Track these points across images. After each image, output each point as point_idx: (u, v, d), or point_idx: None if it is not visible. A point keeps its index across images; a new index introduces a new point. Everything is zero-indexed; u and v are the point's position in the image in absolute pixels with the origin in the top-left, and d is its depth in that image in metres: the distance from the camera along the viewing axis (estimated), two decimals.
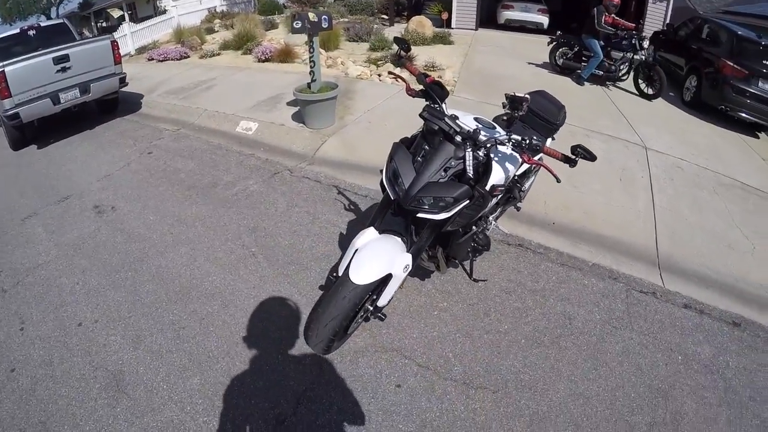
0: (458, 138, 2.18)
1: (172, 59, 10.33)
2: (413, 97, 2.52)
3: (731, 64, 7.15)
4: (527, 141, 2.08)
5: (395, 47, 3.32)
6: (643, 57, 7.80)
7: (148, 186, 4.86)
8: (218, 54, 10.43)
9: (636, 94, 7.93)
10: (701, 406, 2.56)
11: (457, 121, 2.25)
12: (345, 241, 3.75)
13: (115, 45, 6.79)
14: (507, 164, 2.44)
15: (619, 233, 3.95)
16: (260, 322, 3.04)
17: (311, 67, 5.48)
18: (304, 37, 6.64)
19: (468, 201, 2.21)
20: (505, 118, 2.80)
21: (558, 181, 2.18)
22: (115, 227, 4.17)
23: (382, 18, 15.01)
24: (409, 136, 2.56)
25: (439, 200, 2.16)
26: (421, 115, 2.31)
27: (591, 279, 3.46)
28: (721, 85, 7.15)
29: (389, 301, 2.53)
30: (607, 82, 8.28)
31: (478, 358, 2.82)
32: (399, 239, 2.46)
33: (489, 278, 3.37)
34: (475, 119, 2.46)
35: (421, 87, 2.46)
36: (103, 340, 2.98)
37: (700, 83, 7.61)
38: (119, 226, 4.17)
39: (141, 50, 12.31)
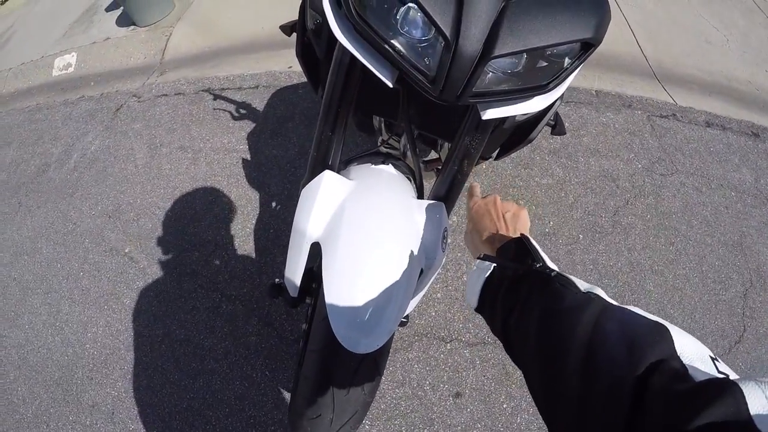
0: None
1: None
2: None
3: None
4: None
5: None
6: None
7: None
8: None
9: None
10: None
11: None
12: (255, 173, 2.19)
13: None
14: None
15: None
16: (200, 380, 1.66)
17: None
18: None
19: None
20: None
21: None
22: None
23: None
24: None
25: (548, 53, 0.69)
26: None
27: (607, 114, 2.54)
28: None
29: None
30: None
31: None
32: (392, 171, 1.00)
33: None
34: None
35: None
36: None
37: None
38: None
39: None
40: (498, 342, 1.25)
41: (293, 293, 0.95)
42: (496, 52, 0.65)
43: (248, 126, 2.45)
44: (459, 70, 0.67)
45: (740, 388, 0.34)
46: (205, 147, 2.43)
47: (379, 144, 1.34)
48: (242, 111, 2.51)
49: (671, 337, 0.42)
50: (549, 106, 0.85)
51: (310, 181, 0.89)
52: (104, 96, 3.31)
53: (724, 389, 0.34)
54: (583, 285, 0.54)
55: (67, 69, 4.00)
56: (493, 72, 0.70)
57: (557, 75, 0.72)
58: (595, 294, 0.52)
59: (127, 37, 3.83)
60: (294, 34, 1.35)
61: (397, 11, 0.68)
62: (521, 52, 0.66)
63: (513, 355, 0.58)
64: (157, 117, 2.79)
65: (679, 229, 2.15)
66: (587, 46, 0.70)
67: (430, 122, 1.15)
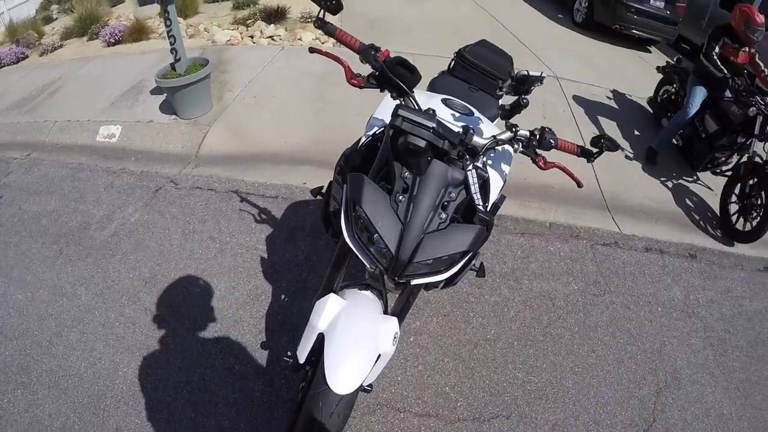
0: (453, 152, 1.41)
1: (8, 64, 7.74)
2: (360, 87, 1.56)
3: None
4: (539, 135, 1.45)
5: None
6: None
7: (7, 247, 3.52)
8: (61, 46, 8.07)
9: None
10: (691, 355, 2.46)
11: (442, 122, 1.41)
12: (270, 270, 2.89)
13: None
14: (502, 166, 1.74)
15: (561, 179, 3.68)
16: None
17: (171, 43, 4.12)
18: (156, 8, 5.17)
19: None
20: (507, 107, 1.94)
21: (580, 186, 1.67)
22: None
23: None
24: (358, 146, 1.70)
25: (444, 259, 1.44)
26: (393, 125, 1.39)
27: (555, 243, 3.06)
28: (613, 4, 6.83)
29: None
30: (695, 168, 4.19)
31: (478, 382, 2.31)
32: (370, 295, 1.68)
33: None
34: (444, 102, 1.66)
35: (369, 70, 1.52)
36: None
37: (591, 3, 7.21)
38: None
39: None
40: (440, 414, 1.96)
41: (302, 361, 1.60)
42: (415, 260, 1.41)
43: (267, 230, 3.18)
44: (399, 265, 1.43)
45: None
46: (231, 241, 3.13)
47: (366, 276, 2.10)
48: (263, 216, 3.25)
49: None
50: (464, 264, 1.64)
51: (321, 297, 1.59)
52: (144, 174, 3.98)
53: None
54: None
55: (111, 138, 4.64)
56: (417, 263, 1.44)
57: (449, 265, 1.49)
58: None
59: (169, 125, 4.54)
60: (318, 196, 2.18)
61: (373, 237, 1.44)
62: (428, 259, 1.43)
63: None
64: (192, 206, 3.48)
65: (603, 339, 2.53)
66: (467, 252, 1.47)
67: None
